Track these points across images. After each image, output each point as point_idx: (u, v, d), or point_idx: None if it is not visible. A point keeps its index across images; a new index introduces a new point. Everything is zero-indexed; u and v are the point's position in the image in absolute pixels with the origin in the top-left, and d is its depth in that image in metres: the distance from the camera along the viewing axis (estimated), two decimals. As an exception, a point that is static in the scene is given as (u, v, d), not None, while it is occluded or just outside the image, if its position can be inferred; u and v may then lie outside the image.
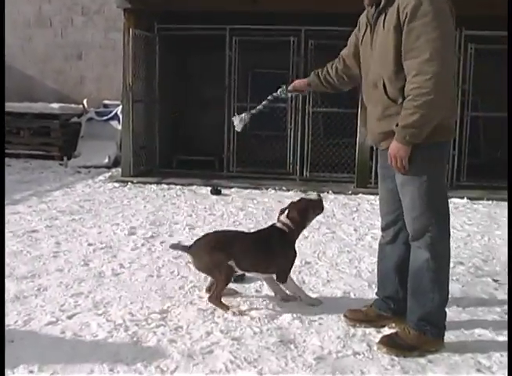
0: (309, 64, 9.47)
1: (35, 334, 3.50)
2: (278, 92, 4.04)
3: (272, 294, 4.16)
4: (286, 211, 4.07)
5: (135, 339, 3.45)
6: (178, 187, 8.87)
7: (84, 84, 12.88)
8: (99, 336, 3.48)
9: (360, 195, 8.58)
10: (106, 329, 3.57)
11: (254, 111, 4.14)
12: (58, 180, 9.41)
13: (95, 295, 4.15)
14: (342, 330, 3.64)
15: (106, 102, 12.32)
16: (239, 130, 4.19)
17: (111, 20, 12.27)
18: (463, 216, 7.25)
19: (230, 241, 4.00)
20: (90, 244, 5.50)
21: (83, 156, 11.27)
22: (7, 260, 4.89)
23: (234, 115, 4.24)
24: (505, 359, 3.25)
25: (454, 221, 6.67)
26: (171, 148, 11.05)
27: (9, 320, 3.64)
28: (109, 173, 10.21)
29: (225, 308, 3.86)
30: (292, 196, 8.43)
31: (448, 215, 3.37)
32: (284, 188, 8.89)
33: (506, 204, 7.45)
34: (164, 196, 8.26)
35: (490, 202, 8.27)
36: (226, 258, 3.87)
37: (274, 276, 4.04)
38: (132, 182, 9.11)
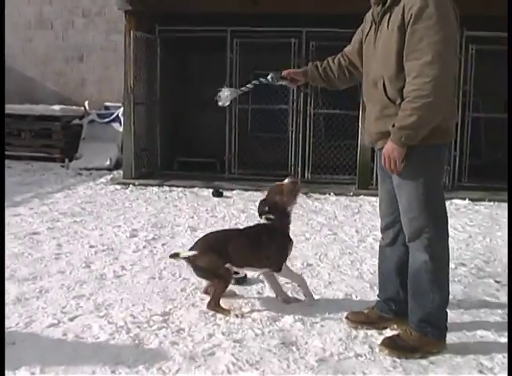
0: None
1: (37, 336, 3.50)
2: (269, 77, 3.88)
3: (274, 295, 4.16)
4: (263, 205, 4.08)
5: (136, 341, 3.44)
6: (179, 189, 8.87)
7: (86, 86, 12.90)
8: (100, 338, 3.48)
9: (362, 197, 8.57)
10: (108, 331, 3.56)
11: (239, 90, 4.12)
12: (59, 182, 9.41)
13: (96, 297, 4.14)
14: (344, 332, 3.64)
15: (108, 104, 12.33)
16: (223, 105, 4.05)
17: (112, 22, 12.28)
18: (465, 217, 7.25)
19: (223, 243, 4.00)
20: (91, 246, 5.50)
21: (84, 158, 11.27)
22: (8, 262, 4.89)
23: (224, 87, 4.10)
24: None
25: (455, 222, 6.69)
26: (173, 150, 11.05)
27: (11, 322, 3.64)
28: (111, 175, 10.21)
29: (226, 312, 3.85)
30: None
31: (446, 216, 3.37)
32: (285, 190, 8.87)
33: (507, 205, 7.44)
34: (166, 198, 8.26)
35: (491, 203, 8.26)
36: (222, 262, 3.89)
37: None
38: (134, 185, 9.11)
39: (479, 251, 5.73)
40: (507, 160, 6.89)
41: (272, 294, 4.19)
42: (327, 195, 8.68)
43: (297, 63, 9.57)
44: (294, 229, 6.24)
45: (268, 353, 3.32)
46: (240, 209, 7.52)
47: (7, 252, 5.16)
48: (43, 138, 11.79)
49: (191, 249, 4.04)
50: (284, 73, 3.87)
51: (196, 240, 4.25)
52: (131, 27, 9.32)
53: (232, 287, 4.33)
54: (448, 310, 3.40)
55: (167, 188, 8.96)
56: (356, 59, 3.69)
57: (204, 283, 4.26)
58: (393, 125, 3.14)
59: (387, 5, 3.23)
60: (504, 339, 3.54)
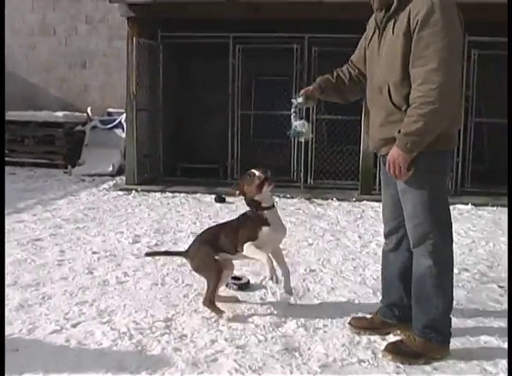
0: (313, 71, 9.49)
1: (40, 342, 3.50)
2: (300, 100, 3.72)
3: (276, 300, 4.16)
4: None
5: (139, 347, 3.44)
6: (182, 195, 8.87)
7: (88, 92, 12.93)
8: (103, 344, 3.48)
9: (364, 202, 8.57)
10: (111, 337, 3.56)
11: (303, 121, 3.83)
12: (62, 188, 9.42)
13: (99, 304, 4.14)
14: (347, 337, 3.63)
15: (110, 110, 12.34)
16: (307, 139, 3.94)
17: (115, 29, 12.31)
18: (468, 222, 7.24)
19: (213, 234, 4.07)
20: (94, 253, 5.50)
21: (87, 164, 11.28)
22: (12, 268, 4.90)
23: (301, 123, 3.79)
24: (511, 366, 3.24)
25: (458, 227, 6.68)
26: (175, 156, 11.06)
27: (14, 329, 3.64)
28: (114, 181, 10.21)
29: (219, 311, 3.87)
30: (296, 203, 8.45)
31: (450, 221, 3.36)
32: (288, 195, 8.87)
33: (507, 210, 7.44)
34: (168, 204, 8.26)
35: (494, 208, 8.25)
36: (212, 253, 3.94)
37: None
38: (136, 191, 9.11)
39: (482, 256, 5.72)
40: (507, 165, 6.88)
41: (275, 300, 4.19)
42: (330, 200, 8.68)
43: (300, 68, 9.60)
44: (297, 235, 6.31)
45: (271, 359, 3.31)
46: (243, 215, 7.51)
47: (10, 258, 5.17)
48: (46, 144, 11.80)
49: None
50: (309, 93, 3.73)
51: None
52: (133, 34, 9.34)
53: (234, 293, 4.34)
54: (451, 316, 3.40)
55: (169, 194, 8.96)
56: (363, 67, 3.65)
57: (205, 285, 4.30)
58: (399, 131, 3.13)
59: (391, 10, 3.21)
60: (507, 344, 3.53)
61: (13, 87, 12.26)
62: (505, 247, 5.98)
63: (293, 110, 3.75)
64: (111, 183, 9.96)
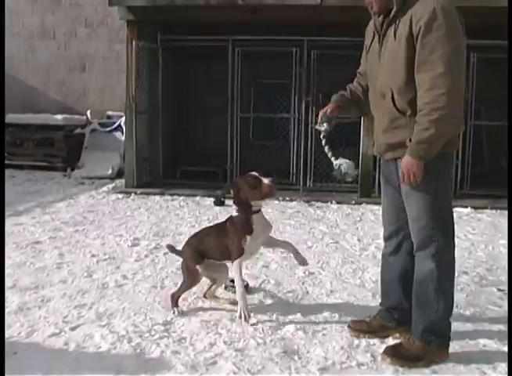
0: (312, 74, 9.50)
1: (38, 345, 3.50)
2: (326, 127, 3.61)
3: (275, 301, 4.15)
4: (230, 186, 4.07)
5: (138, 351, 3.44)
6: (181, 198, 8.87)
7: (88, 95, 12.95)
8: (102, 347, 3.48)
9: (363, 205, 8.57)
10: (110, 340, 3.56)
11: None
12: (61, 191, 9.42)
13: (98, 307, 4.14)
14: (346, 340, 3.63)
15: (110, 113, 12.35)
16: (354, 177, 3.85)
17: (114, 32, 12.33)
18: (467, 225, 7.24)
19: (199, 240, 4.15)
20: (93, 256, 5.50)
21: (86, 167, 11.29)
22: (10, 271, 4.90)
23: (346, 164, 3.68)
24: (510, 369, 3.24)
25: (458, 230, 6.60)
26: (175, 159, 11.07)
27: (13, 332, 3.64)
28: (113, 184, 10.21)
29: (172, 307, 4.02)
30: (295, 206, 8.45)
31: (453, 225, 3.36)
32: (287, 198, 8.87)
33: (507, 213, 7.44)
34: (168, 207, 8.26)
35: (494, 211, 8.25)
36: (194, 261, 4.05)
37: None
38: (136, 193, 9.12)
39: (482, 259, 5.72)
40: (507, 168, 6.89)
41: (274, 302, 4.19)
42: (329, 203, 8.68)
43: (299, 71, 9.61)
44: (296, 237, 6.31)
45: (270, 362, 3.31)
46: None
47: (9, 261, 5.17)
48: (45, 147, 11.80)
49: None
50: (329, 114, 3.62)
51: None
52: (133, 37, 9.35)
53: (233, 295, 4.34)
54: (450, 319, 3.40)
55: (168, 197, 8.97)
56: None
57: (205, 288, 4.32)
58: (410, 140, 3.12)
59: (391, 15, 3.21)
60: (507, 348, 3.52)
61: (13, 90, 12.26)
62: (504, 250, 5.97)
63: (322, 138, 3.71)
64: (110, 186, 9.96)
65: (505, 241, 6.34)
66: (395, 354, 3.35)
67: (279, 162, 10.14)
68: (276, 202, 8.72)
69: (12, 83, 12.32)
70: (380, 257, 3.86)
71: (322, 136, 3.72)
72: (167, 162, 10.49)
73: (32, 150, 11.81)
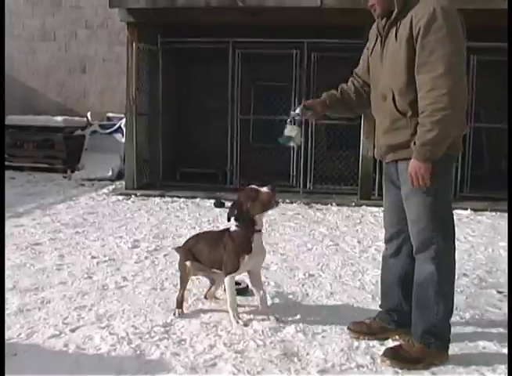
0: (312, 77, 9.51)
1: (38, 347, 3.50)
2: (298, 111, 3.73)
3: (275, 303, 4.16)
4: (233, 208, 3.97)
5: (138, 352, 3.44)
6: (181, 200, 8.87)
7: (88, 97, 12.97)
8: (102, 349, 3.47)
9: (363, 207, 8.58)
10: (110, 342, 3.56)
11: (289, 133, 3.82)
12: (61, 193, 9.43)
13: (98, 308, 4.14)
14: (346, 342, 3.63)
15: (110, 115, 12.38)
16: (299, 143, 3.96)
17: (115, 34, 12.36)
18: (467, 228, 7.24)
19: (194, 243, 4.18)
20: (93, 257, 5.50)
21: (86, 169, 11.31)
22: (10, 273, 4.90)
23: (290, 128, 3.79)
24: (510, 371, 3.24)
25: (458, 232, 6.57)
26: (175, 161, 11.08)
27: (12, 333, 3.64)
28: (113, 186, 10.22)
29: (176, 309, 4.05)
30: (295, 208, 8.45)
31: (454, 227, 3.37)
32: (288, 200, 8.88)
33: (507, 215, 7.45)
34: (168, 209, 8.26)
35: (494, 213, 8.26)
36: (185, 258, 4.11)
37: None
38: (136, 195, 9.12)
39: (481, 261, 5.72)
40: (507, 171, 6.89)
41: (274, 304, 4.19)
42: (329, 205, 8.69)
43: (299, 74, 9.62)
44: (296, 240, 6.32)
45: (270, 364, 3.31)
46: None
47: (9, 263, 5.17)
48: (46, 149, 11.82)
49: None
50: (306, 103, 3.76)
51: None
52: (133, 39, 9.37)
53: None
54: (450, 321, 3.40)
55: (169, 199, 8.97)
56: (368, 78, 3.65)
57: (205, 289, 4.35)
58: (414, 143, 3.11)
59: (392, 17, 3.22)
60: (507, 350, 3.53)
61: (13, 91, 12.28)
62: (504, 253, 5.98)
63: (288, 120, 3.74)
64: (110, 188, 9.97)
65: (505, 243, 6.34)
66: (395, 356, 3.35)
67: (279, 164, 10.15)
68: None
69: (12, 84, 12.35)
70: (379, 259, 3.86)
71: (290, 118, 3.73)
72: (167, 164, 10.50)
73: (32, 151, 11.83)
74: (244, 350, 3.48)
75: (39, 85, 13.04)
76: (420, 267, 3.36)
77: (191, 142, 11.81)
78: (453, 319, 3.46)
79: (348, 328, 3.76)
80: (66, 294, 4.43)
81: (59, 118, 11.95)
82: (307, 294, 4.57)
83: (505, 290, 4.72)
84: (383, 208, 3.74)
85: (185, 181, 10.36)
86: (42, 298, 4.31)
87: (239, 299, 4.29)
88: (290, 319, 3.97)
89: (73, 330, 3.73)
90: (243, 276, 4.67)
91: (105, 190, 9.68)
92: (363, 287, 4.82)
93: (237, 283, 4.39)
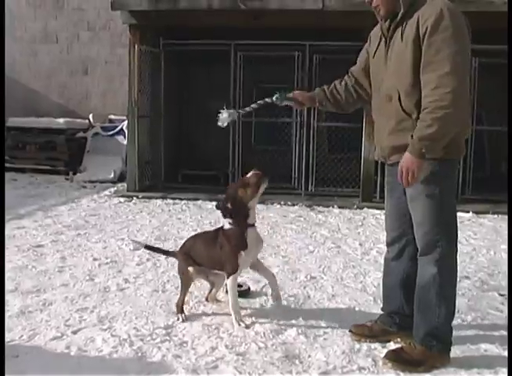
0: (314, 79, 9.51)
1: (40, 349, 3.50)
2: (274, 97, 3.80)
3: (276, 307, 4.16)
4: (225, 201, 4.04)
5: (139, 354, 3.44)
6: (183, 202, 8.88)
7: (90, 99, 12.98)
8: (103, 351, 3.48)
9: (365, 209, 8.57)
10: (111, 344, 3.56)
11: (243, 111, 4.04)
12: (63, 195, 9.43)
13: (100, 310, 4.14)
14: (347, 345, 3.63)
15: (112, 117, 12.39)
16: (222, 125, 4.08)
17: (117, 36, 12.38)
18: (469, 230, 7.23)
19: (190, 246, 4.17)
20: (95, 259, 5.51)
21: (88, 171, 11.31)
22: (12, 275, 4.90)
23: (223, 109, 4.05)
24: None
25: (459, 235, 6.60)
26: (176, 163, 11.08)
27: (14, 335, 3.64)
28: (115, 188, 10.23)
29: (177, 314, 4.01)
30: (297, 210, 8.45)
31: (457, 230, 3.37)
32: (289, 203, 8.89)
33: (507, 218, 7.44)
34: (169, 211, 8.27)
35: (495, 216, 8.25)
36: (186, 264, 4.07)
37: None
38: (137, 197, 9.13)
39: (483, 264, 5.72)
40: (507, 173, 6.89)
41: (275, 307, 4.19)
42: (331, 208, 8.69)
43: (301, 76, 9.62)
44: (298, 242, 6.32)
45: (271, 366, 3.31)
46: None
47: (11, 265, 5.18)
48: (47, 150, 11.83)
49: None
50: (294, 94, 3.82)
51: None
52: (135, 41, 9.38)
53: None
54: (452, 324, 3.40)
55: (170, 201, 8.97)
56: (363, 78, 3.66)
57: (206, 292, 4.35)
58: (411, 137, 3.09)
59: (398, 18, 3.22)
60: (507, 353, 3.52)
61: (15, 93, 12.30)
62: (506, 255, 5.97)
63: (260, 101, 3.84)
64: (112, 190, 9.98)
65: (506, 246, 6.34)
66: (396, 359, 3.34)
67: (281, 167, 10.14)
68: (278, 206, 8.73)
69: (14, 87, 12.37)
70: (381, 261, 3.86)
71: (266, 100, 3.82)
72: (168, 166, 10.50)
73: (34, 153, 11.84)
74: (246, 352, 3.48)
75: (41, 87, 13.05)
76: (422, 269, 3.36)
77: (193, 144, 11.81)
78: (455, 321, 3.46)
79: (350, 331, 3.76)
80: (67, 296, 4.44)
81: (61, 120, 11.96)
82: (308, 297, 4.57)
83: (506, 292, 4.71)
84: (384, 211, 3.74)
85: (186, 183, 10.36)
86: (44, 300, 4.32)
87: (241, 301, 4.29)
88: (292, 321, 3.97)
89: (74, 332, 3.73)
90: (245, 279, 4.69)
91: (107, 192, 9.69)
92: (365, 289, 4.82)
93: (239, 286, 4.39)
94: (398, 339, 3.62)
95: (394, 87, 3.27)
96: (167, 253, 4.68)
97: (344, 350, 3.54)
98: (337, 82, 3.81)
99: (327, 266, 5.48)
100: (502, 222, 7.87)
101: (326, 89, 3.79)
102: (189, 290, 4.18)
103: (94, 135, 11.92)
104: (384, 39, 3.38)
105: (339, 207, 8.70)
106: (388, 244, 3.70)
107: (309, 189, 9.72)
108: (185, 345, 3.58)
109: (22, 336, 3.64)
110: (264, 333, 3.76)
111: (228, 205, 3.95)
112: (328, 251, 6.07)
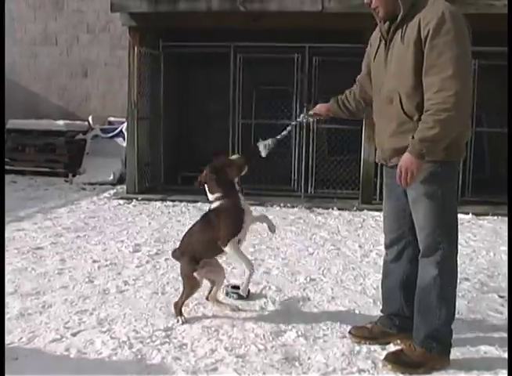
0: (313, 80, 9.51)
1: (39, 351, 3.50)
2: (301, 117, 4.04)
3: (276, 308, 4.15)
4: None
5: (139, 356, 3.44)
6: (182, 204, 8.87)
7: (90, 101, 12.96)
8: (103, 353, 3.48)
9: (365, 211, 8.56)
10: (111, 346, 3.56)
11: (278, 137, 4.15)
12: (63, 197, 9.42)
13: (99, 312, 4.14)
14: (347, 347, 3.63)
15: (111, 119, 12.37)
16: (264, 156, 4.19)
17: (116, 38, 12.37)
18: (468, 232, 7.23)
19: (187, 244, 4.14)
20: (95, 261, 5.50)
21: (88, 173, 11.30)
22: (12, 277, 4.90)
23: (259, 141, 4.22)
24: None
25: (459, 237, 6.64)
26: (176, 165, 11.06)
27: (14, 337, 3.64)
28: (114, 190, 10.22)
29: (177, 316, 3.99)
30: (296, 212, 8.44)
31: (457, 232, 3.38)
32: (289, 205, 8.88)
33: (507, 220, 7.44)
34: (169, 213, 8.26)
35: (495, 217, 8.25)
36: (191, 269, 4.01)
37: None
38: (137, 199, 9.12)
39: (483, 265, 5.72)
40: (507, 175, 6.89)
41: (275, 309, 4.19)
42: (330, 210, 8.68)
43: (301, 78, 9.62)
44: (297, 244, 6.32)
45: (271, 368, 3.31)
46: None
47: (10, 267, 5.18)
48: (47, 153, 11.82)
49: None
50: (312, 111, 4.01)
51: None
52: (135, 43, 9.37)
53: (234, 302, 4.34)
54: (452, 325, 3.40)
55: (170, 203, 8.97)
56: (367, 83, 3.68)
57: (206, 292, 4.33)
58: (412, 137, 3.09)
59: (398, 20, 3.22)
60: (507, 354, 3.52)
61: (15, 95, 12.29)
62: (505, 257, 5.96)
63: (288, 127, 4.09)
64: (112, 192, 9.97)
65: (506, 248, 6.33)
66: (396, 360, 3.35)
67: (281, 168, 10.12)
68: (278, 208, 8.73)
69: (14, 89, 12.36)
70: (381, 263, 3.86)
71: (295, 122, 4.19)
72: (168, 168, 10.49)
73: (34, 155, 11.83)
74: (245, 354, 3.48)
75: (41, 89, 13.04)
76: (422, 271, 3.36)
77: (192, 146, 11.79)
78: (454, 323, 3.46)
79: (350, 333, 3.76)
80: (67, 298, 4.44)
81: (61, 122, 11.95)
82: (308, 299, 4.56)
83: (506, 294, 4.71)
84: (383, 213, 3.74)
85: (186, 185, 10.31)
86: (43, 302, 4.32)
87: (240, 303, 4.30)
88: (291, 323, 3.97)
89: (74, 335, 3.73)
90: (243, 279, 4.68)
91: (106, 194, 9.68)
92: (364, 291, 4.81)
93: (238, 287, 4.39)
94: (398, 341, 3.62)
95: (395, 89, 3.27)
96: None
97: (344, 352, 3.54)
98: (347, 92, 3.89)
99: (327, 268, 5.48)
100: (501, 223, 7.87)
101: (338, 100, 3.90)
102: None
103: (93, 137, 11.91)
104: (383, 41, 3.38)
105: (338, 209, 8.69)
106: (387, 246, 3.70)
107: (309, 191, 9.71)
108: (184, 347, 3.58)
109: (21, 338, 3.65)
110: (263, 335, 3.76)
111: (215, 176, 3.95)
112: (328, 253, 6.07)
